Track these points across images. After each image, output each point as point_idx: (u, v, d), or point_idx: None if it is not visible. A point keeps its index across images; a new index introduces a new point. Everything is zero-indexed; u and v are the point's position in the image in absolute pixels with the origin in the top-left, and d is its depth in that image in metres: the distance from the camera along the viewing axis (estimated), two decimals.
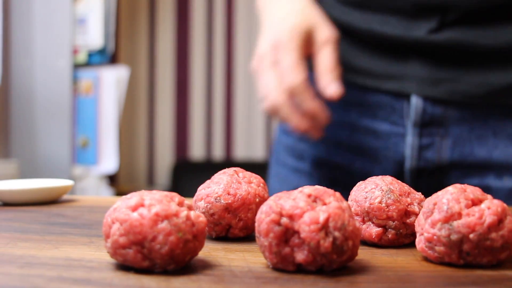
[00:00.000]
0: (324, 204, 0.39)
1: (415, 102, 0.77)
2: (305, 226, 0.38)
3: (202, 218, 0.41)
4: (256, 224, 0.40)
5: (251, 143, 2.85)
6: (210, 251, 0.45)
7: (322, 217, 0.38)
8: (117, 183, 2.69)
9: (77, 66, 1.98)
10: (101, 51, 2.02)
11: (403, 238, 0.47)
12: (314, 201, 0.39)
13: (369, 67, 0.80)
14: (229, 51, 2.84)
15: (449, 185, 0.45)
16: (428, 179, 0.78)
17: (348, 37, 0.81)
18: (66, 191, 0.69)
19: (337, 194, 0.40)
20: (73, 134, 1.97)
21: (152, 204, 0.39)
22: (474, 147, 0.76)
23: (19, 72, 1.95)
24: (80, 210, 0.63)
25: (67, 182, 0.69)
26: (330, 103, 0.82)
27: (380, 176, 0.49)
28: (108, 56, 2.05)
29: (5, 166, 1.87)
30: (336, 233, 0.38)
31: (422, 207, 0.47)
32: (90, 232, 0.52)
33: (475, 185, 0.74)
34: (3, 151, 1.95)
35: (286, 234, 0.39)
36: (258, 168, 2.81)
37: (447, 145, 0.76)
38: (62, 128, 1.95)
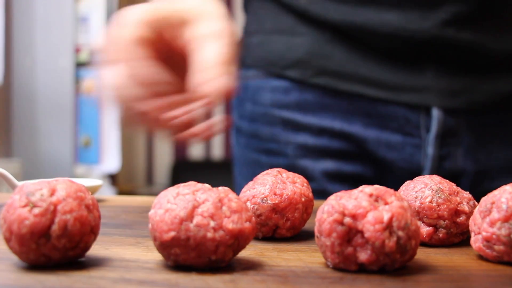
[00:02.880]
0: (386, 203, 0.39)
1: (436, 114, 0.75)
2: (369, 226, 0.38)
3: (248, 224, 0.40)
4: (316, 224, 0.40)
5: None
6: (262, 251, 0.45)
7: (386, 217, 0.38)
8: (116, 182, 2.68)
9: (79, 65, 1.97)
10: None
11: (453, 237, 0.47)
12: (376, 200, 0.39)
13: (381, 77, 0.75)
14: None
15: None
16: None
17: (353, 42, 0.76)
18: (96, 191, 0.68)
19: (398, 193, 0.40)
20: (75, 133, 1.96)
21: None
22: (484, 153, 0.77)
23: (21, 71, 1.93)
24: (114, 211, 0.63)
25: (97, 182, 0.68)
26: (328, 112, 0.77)
27: (427, 175, 0.49)
28: None
29: (7, 165, 1.86)
30: (400, 233, 0.38)
31: (471, 206, 0.47)
32: (133, 232, 0.52)
33: (487, 191, 0.76)
34: (5, 150, 1.93)
35: (349, 234, 0.39)
36: None
37: (460, 153, 0.76)
38: (64, 127, 1.94)
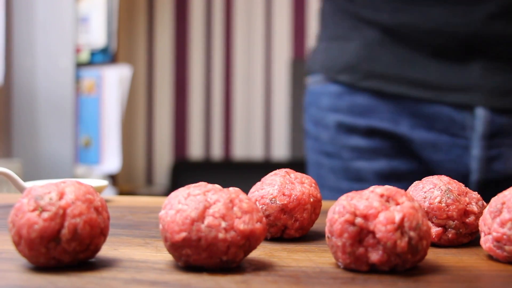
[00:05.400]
0: (398, 203, 0.39)
1: (481, 113, 0.73)
2: (381, 226, 0.38)
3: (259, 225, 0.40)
4: (327, 224, 0.40)
5: (249, 143, 2.84)
6: (271, 251, 0.45)
7: (397, 217, 0.38)
8: (117, 182, 2.67)
9: (79, 65, 1.97)
10: (104, 50, 2.01)
11: (462, 238, 0.47)
12: (387, 200, 0.39)
13: (427, 78, 0.75)
14: (227, 50, 2.83)
15: None
16: (494, 191, 0.73)
17: (400, 42, 0.76)
18: (100, 191, 0.68)
19: (409, 193, 0.40)
20: (75, 134, 1.96)
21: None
22: None
23: (21, 71, 1.93)
24: (120, 211, 0.63)
25: (102, 183, 0.68)
26: (377, 114, 0.78)
27: (436, 176, 0.49)
28: (111, 55, 2.03)
29: (7, 165, 1.85)
30: (412, 233, 0.38)
31: (480, 206, 0.47)
32: (141, 233, 0.52)
33: None
34: (6, 150, 1.93)
35: (361, 234, 0.39)
36: (256, 167, 2.80)
37: None
38: (64, 127, 1.93)
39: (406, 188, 0.76)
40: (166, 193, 2.75)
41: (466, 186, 0.74)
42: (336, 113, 0.82)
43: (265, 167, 3.02)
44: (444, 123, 0.76)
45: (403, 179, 0.79)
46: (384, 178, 0.80)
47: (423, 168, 0.79)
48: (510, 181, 0.74)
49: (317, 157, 0.85)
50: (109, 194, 2.02)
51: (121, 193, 2.43)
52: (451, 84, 0.74)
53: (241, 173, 2.58)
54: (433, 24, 0.72)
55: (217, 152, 2.85)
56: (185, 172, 2.69)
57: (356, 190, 0.77)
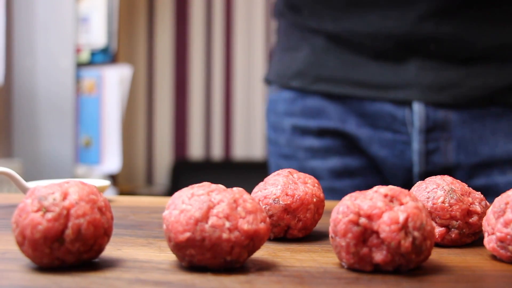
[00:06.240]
0: (401, 203, 0.39)
1: (418, 108, 0.78)
2: (385, 226, 0.38)
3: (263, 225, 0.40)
4: (331, 224, 0.40)
5: (250, 143, 2.84)
6: (275, 251, 0.45)
7: (401, 217, 0.38)
8: (117, 182, 2.67)
9: (80, 65, 1.97)
10: (104, 50, 2.01)
11: (466, 238, 0.47)
12: (391, 200, 0.39)
13: (369, 78, 0.80)
14: (228, 50, 2.83)
15: None
16: None
17: (343, 47, 0.81)
18: (103, 191, 0.68)
19: (412, 193, 0.40)
20: (76, 134, 1.96)
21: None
22: (477, 147, 0.79)
23: (21, 71, 1.93)
24: (122, 211, 0.63)
25: (104, 183, 0.68)
26: (326, 114, 0.84)
27: (439, 176, 0.49)
28: (111, 55, 2.03)
29: (8, 165, 1.85)
30: (416, 233, 0.38)
31: (483, 206, 0.47)
32: (144, 233, 0.52)
33: (482, 184, 0.78)
34: (6, 150, 1.93)
35: (365, 234, 0.39)
36: (257, 167, 2.80)
37: (452, 147, 0.79)
38: (65, 127, 1.93)
39: (358, 184, 0.84)
40: (167, 193, 2.75)
41: (410, 178, 0.80)
42: (291, 117, 0.87)
43: (265, 167, 3.01)
44: (387, 120, 0.80)
45: (355, 175, 0.84)
46: (337, 175, 0.84)
47: (372, 164, 0.83)
48: (448, 172, 0.78)
49: (277, 161, 0.90)
50: (109, 194, 2.02)
51: (121, 193, 2.43)
52: (391, 82, 0.79)
53: (241, 173, 2.58)
54: (371, 28, 0.78)
55: (217, 152, 2.85)
56: (185, 172, 2.69)
57: None
